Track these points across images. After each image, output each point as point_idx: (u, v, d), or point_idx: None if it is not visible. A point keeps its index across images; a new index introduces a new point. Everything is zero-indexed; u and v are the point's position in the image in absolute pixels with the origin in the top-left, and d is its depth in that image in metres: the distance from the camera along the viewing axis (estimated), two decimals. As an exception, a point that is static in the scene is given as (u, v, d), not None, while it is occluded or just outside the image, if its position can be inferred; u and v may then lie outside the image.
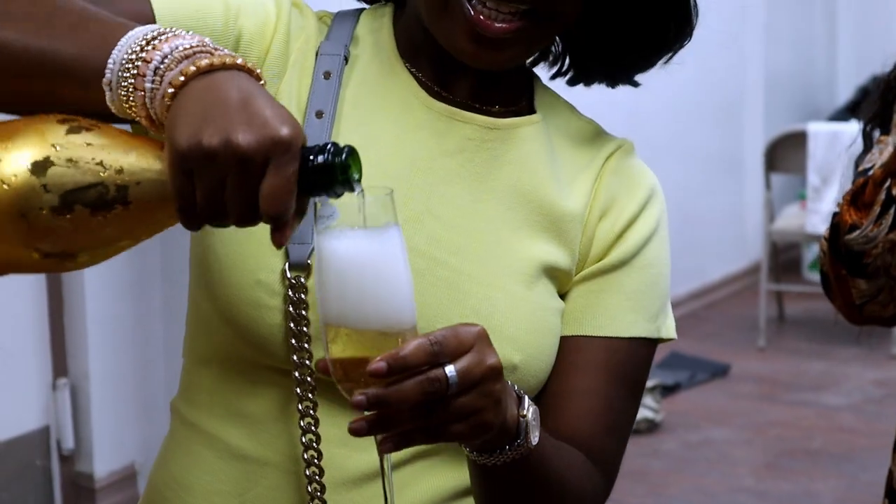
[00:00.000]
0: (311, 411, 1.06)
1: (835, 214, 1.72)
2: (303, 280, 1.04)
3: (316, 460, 1.06)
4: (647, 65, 1.19)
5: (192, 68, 0.83)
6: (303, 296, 1.03)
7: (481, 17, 1.05)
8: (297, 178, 0.84)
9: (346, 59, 1.15)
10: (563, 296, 1.18)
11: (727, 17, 6.22)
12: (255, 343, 1.05)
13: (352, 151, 0.87)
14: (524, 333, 1.12)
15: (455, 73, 1.15)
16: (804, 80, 7.53)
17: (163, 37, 0.86)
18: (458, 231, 1.12)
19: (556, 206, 1.15)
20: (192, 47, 0.86)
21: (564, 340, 1.14)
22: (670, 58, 1.19)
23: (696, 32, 1.25)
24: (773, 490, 4.36)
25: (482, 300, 1.10)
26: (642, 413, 4.65)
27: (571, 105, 1.22)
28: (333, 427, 1.06)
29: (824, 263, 1.75)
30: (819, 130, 5.28)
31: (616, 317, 1.16)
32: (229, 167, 0.82)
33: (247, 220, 0.85)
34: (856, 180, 1.70)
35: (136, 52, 0.87)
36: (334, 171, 0.85)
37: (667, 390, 5.10)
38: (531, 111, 1.18)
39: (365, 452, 1.07)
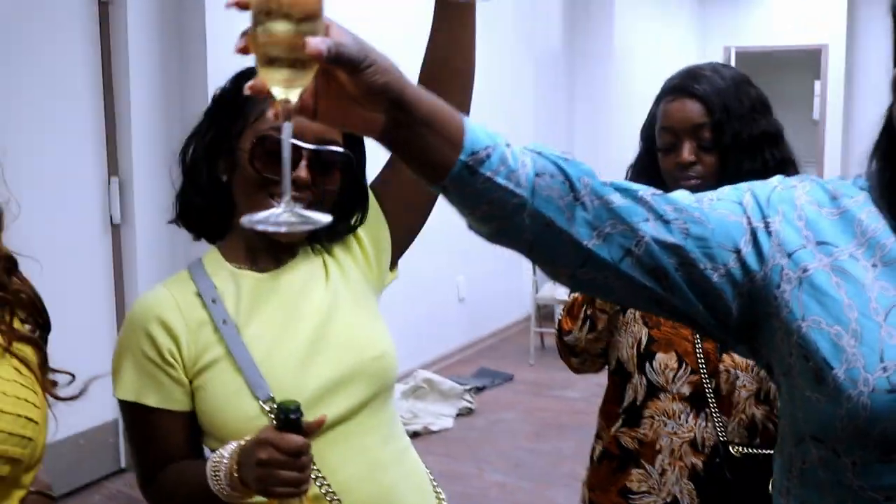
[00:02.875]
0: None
1: (559, 320, 2.07)
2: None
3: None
4: None
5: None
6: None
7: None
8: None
9: (215, 286, 1.59)
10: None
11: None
12: None
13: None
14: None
15: (265, 251, 1.62)
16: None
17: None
18: (327, 317, 1.60)
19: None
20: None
21: None
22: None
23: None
24: (542, 447, 5.04)
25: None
26: (465, 404, 5.70)
27: None
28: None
29: (557, 343, 2.13)
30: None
31: None
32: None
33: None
34: (570, 294, 2.06)
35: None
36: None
37: (478, 390, 6.00)
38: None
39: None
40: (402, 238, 1.75)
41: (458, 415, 5.63)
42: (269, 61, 0.91)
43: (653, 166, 1.97)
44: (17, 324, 1.42)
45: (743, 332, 1.17)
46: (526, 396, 6.02)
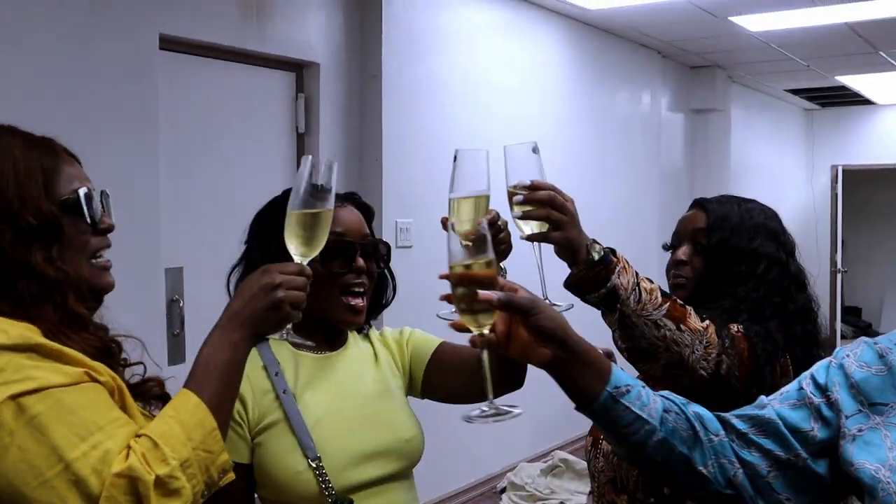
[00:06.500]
0: None
1: None
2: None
3: None
4: None
5: None
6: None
7: (353, 301, 1.71)
8: None
9: (278, 362, 1.71)
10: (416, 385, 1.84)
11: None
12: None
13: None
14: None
15: (320, 337, 1.76)
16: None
17: None
18: (368, 397, 1.76)
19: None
20: None
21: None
22: None
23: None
24: None
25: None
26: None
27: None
28: None
29: None
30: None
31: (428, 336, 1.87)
32: None
33: None
34: None
35: None
36: None
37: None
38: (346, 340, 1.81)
39: None
40: (426, 393, 1.88)
41: (590, 492, 5.56)
42: (463, 311, 1.23)
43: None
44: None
45: (841, 489, 1.30)
46: (652, 478, 5.97)
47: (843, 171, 11.17)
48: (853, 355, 1.31)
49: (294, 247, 1.37)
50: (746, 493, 1.30)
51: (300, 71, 4.49)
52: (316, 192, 1.37)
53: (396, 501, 1.76)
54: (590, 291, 1.63)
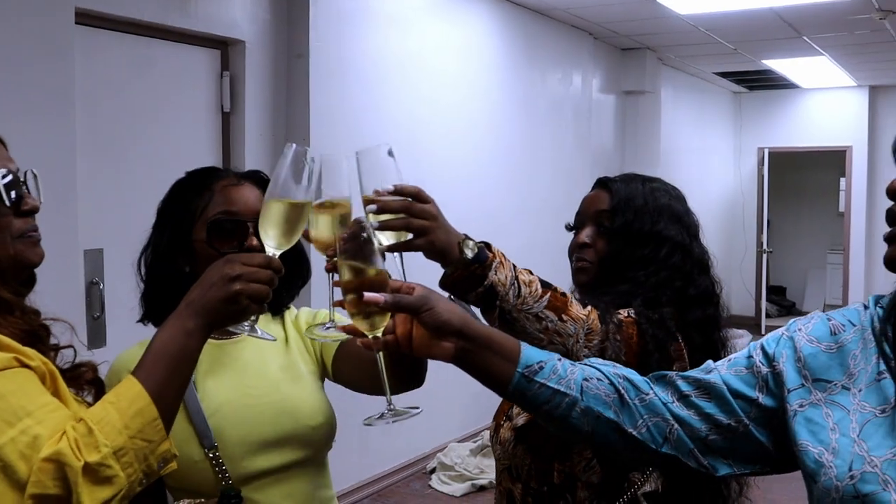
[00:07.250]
0: None
1: None
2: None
3: None
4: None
5: None
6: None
7: None
8: None
9: None
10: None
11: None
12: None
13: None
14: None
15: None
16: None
17: None
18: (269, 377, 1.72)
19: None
20: None
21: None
22: None
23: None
24: None
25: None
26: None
27: None
28: None
29: None
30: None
31: None
32: None
33: None
34: None
35: None
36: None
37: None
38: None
39: None
40: (336, 380, 1.82)
41: (520, 471, 5.65)
42: (354, 314, 1.23)
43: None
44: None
45: (789, 458, 1.27)
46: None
47: (769, 153, 11.39)
48: (805, 329, 1.30)
49: (270, 238, 1.34)
50: (684, 448, 1.29)
51: (225, 48, 4.41)
52: (296, 184, 1.34)
53: (299, 490, 1.71)
54: (466, 291, 1.54)
